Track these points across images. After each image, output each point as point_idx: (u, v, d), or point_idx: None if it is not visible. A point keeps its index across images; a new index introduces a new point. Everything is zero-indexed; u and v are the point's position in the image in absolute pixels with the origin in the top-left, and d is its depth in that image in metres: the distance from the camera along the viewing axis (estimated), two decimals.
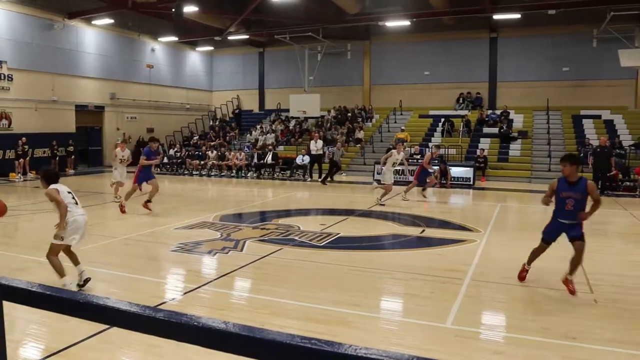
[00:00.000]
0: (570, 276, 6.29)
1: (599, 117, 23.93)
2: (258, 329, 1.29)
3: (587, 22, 23.59)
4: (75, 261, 6.27)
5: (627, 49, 22.23)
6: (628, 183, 18.10)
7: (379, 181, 14.94)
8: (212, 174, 23.31)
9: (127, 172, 14.19)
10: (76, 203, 6.19)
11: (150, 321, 1.39)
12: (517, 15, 22.91)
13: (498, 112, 25.56)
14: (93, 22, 25.16)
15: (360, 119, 27.69)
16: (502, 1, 23.24)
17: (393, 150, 14.46)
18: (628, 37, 22.82)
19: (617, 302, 6.09)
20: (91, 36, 25.76)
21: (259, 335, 1.27)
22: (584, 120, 23.90)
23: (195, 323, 1.34)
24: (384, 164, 14.36)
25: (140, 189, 12.44)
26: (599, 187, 17.00)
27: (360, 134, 25.92)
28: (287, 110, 28.07)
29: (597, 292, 6.42)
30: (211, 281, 6.76)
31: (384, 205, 13.68)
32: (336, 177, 21.07)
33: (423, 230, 10.47)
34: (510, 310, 5.93)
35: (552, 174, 20.54)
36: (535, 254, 6.72)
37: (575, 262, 6.25)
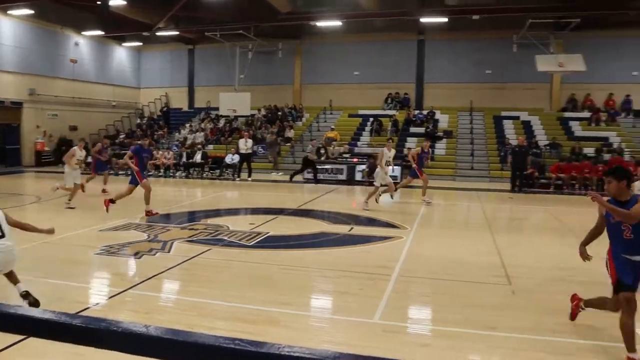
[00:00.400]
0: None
1: (517, 118, 25.23)
2: (181, 332, 1.27)
3: (508, 29, 24.76)
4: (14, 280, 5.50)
5: (543, 54, 23.56)
6: (543, 180, 19.20)
7: (371, 182, 14.43)
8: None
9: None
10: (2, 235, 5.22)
11: (67, 329, 1.34)
12: (444, 19, 23.74)
13: (425, 112, 26.39)
14: (9, 12, 23.70)
15: (290, 118, 27.75)
16: (429, 5, 23.99)
17: (384, 149, 14.12)
18: (544, 44, 24.17)
19: (533, 293, 6.45)
20: (8, 27, 24.24)
21: (181, 338, 1.25)
22: (504, 121, 25.12)
23: (114, 328, 1.30)
24: (378, 164, 13.90)
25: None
26: (517, 184, 17.93)
27: (290, 133, 25.96)
28: (217, 109, 27.71)
29: (515, 284, 6.77)
30: (137, 284, 6.56)
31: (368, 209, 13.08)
32: (267, 176, 21.02)
33: (351, 228, 10.64)
34: (435, 304, 6.15)
35: (475, 172, 21.52)
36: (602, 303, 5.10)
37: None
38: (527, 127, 24.41)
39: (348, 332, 5.17)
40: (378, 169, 13.88)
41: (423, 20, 24.15)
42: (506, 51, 25.81)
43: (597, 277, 7.19)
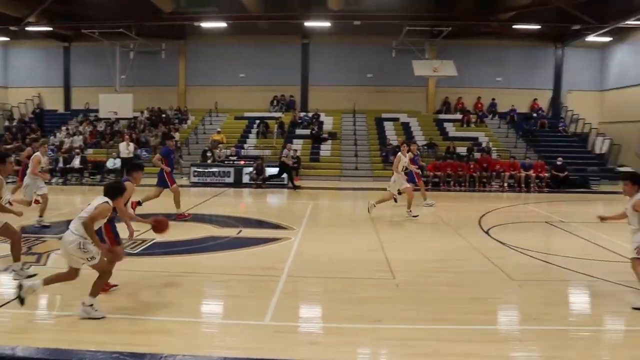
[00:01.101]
0: None
1: (397, 119, 26.50)
2: (62, 351, 1.17)
3: (387, 34, 25.83)
4: None
5: (419, 60, 24.95)
6: (422, 179, 20.23)
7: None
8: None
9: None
10: None
11: None
12: (327, 24, 24.29)
13: (310, 114, 26.85)
14: None
15: (175, 121, 26.91)
16: (313, 10, 24.42)
17: (399, 154, 12.92)
18: (420, 50, 25.62)
19: (415, 285, 6.80)
20: None
21: (63, 357, 1.15)
22: (385, 123, 26.27)
23: None
24: (396, 170, 12.69)
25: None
26: None
27: (175, 136, 25.16)
28: (97, 111, 26.11)
29: (399, 277, 7.08)
30: (9, 302, 5.91)
31: (417, 215, 12.33)
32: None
33: (240, 231, 10.53)
34: (325, 301, 6.26)
35: (359, 172, 22.26)
36: None
37: None
38: (406, 128, 25.72)
39: (239, 336, 5.10)
40: (395, 176, 12.62)
41: (307, 24, 24.56)
42: (386, 56, 26.92)
43: (473, 267, 7.79)
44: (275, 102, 28.14)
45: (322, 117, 26.68)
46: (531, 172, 20.06)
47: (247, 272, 7.33)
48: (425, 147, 22.98)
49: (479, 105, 27.90)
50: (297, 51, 28.08)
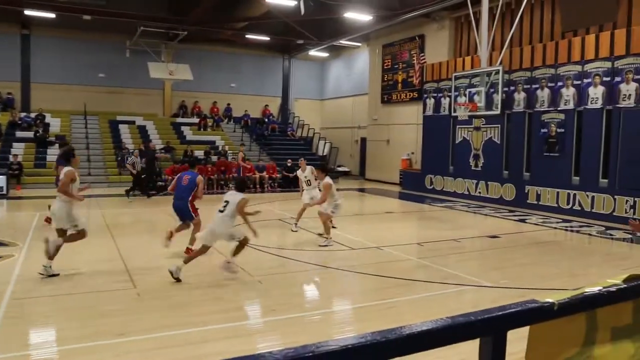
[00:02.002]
0: None
1: (133, 122, 25.55)
2: None
3: (121, 33, 24.72)
4: None
5: (155, 62, 24.51)
6: (160, 183, 19.86)
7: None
8: None
9: None
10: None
11: None
12: (52, 15, 22.05)
13: (33, 115, 24.01)
14: None
15: None
16: None
17: (298, 171, 12.54)
18: (156, 52, 25.20)
19: (157, 292, 6.77)
20: None
21: None
22: (120, 126, 25.05)
23: None
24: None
25: None
26: (137, 188, 18.13)
27: None
28: None
29: (140, 286, 6.96)
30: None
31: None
32: None
33: None
34: (59, 322, 5.78)
35: (93, 177, 20.80)
36: None
37: None
38: (142, 131, 24.98)
39: None
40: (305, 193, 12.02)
41: (27, 12, 21.84)
42: (120, 56, 25.76)
43: (215, 268, 8.07)
44: None
45: (48, 118, 24.11)
46: (264, 174, 21.50)
47: None
48: (163, 150, 22.67)
49: (215, 109, 28.73)
50: (16, 42, 24.87)
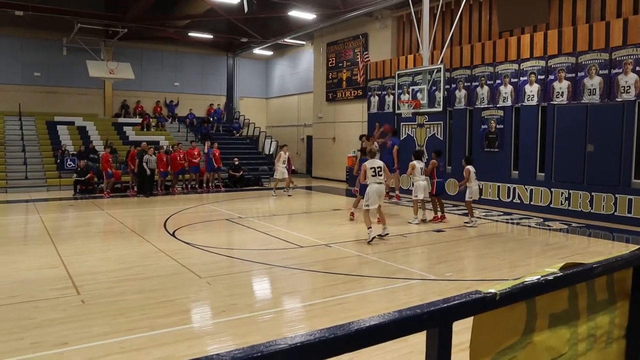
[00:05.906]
0: None
1: (73, 123, 24.63)
2: None
3: (57, 30, 23.80)
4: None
5: (94, 60, 23.73)
6: (101, 185, 19.27)
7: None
8: None
9: None
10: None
11: None
12: None
13: None
14: None
15: None
16: None
17: (281, 152, 18.95)
18: (95, 50, 24.39)
19: (102, 298, 6.55)
20: None
21: None
22: (58, 127, 24.09)
23: None
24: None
25: None
26: (78, 191, 17.58)
27: None
28: None
29: (84, 292, 6.73)
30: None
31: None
32: None
33: None
34: None
35: (30, 181, 19.99)
36: None
37: None
38: (82, 132, 24.13)
39: None
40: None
41: None
42: (57, 54, 24.81)
43: (161, 271, 7.91)
44: None
45: None
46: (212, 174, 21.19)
47: None
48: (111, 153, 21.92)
49: (158, 109, 28.11)
50: None
